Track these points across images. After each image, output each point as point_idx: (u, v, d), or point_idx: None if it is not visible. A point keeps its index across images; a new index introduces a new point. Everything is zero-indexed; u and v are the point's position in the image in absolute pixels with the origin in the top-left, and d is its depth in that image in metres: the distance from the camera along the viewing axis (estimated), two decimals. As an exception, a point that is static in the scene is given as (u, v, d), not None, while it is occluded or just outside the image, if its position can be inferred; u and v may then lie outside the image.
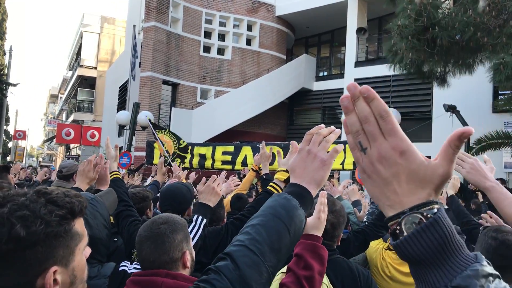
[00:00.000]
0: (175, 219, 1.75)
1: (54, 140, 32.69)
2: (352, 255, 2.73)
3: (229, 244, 1.03)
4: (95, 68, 33.64)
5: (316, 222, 1.66)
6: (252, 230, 1.02)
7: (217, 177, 2.56)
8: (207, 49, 19.48)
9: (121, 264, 2.08)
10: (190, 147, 10.77)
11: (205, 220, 2.28)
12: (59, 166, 4.13)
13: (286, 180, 2.40)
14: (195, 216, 2.31)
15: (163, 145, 10.26)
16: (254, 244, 0.98)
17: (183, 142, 10.64)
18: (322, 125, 1.18)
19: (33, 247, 0.85)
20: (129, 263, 2.12)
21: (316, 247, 1.56)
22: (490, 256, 1.66)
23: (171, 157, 10.11)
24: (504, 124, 12.32)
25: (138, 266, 2.07)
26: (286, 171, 2.42)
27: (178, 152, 10.39)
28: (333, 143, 1.16)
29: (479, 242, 1.75)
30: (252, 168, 4.45)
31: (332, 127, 1.18)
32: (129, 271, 2.05)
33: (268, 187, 2.40)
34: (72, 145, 34.17)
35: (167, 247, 1.63)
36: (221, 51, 19.78)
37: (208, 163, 10.63)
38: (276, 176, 2.41)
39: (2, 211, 0.84)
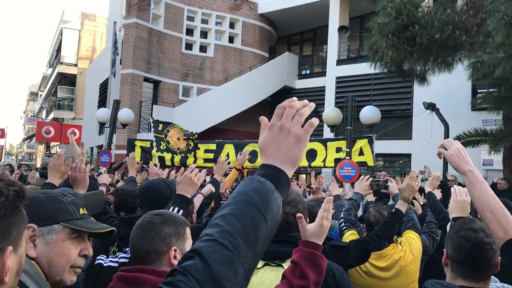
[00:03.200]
0: (173, 215, 1.72)
1: (34, 138, 32.15)
2: (352, 265, 2.66)
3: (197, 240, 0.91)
4: (76, 65, 33.13)
5: (318, 230, 1.59)
6: (222, 221, 0.86)
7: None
8: (189, 46, 19.37)
9: (97, 258, 2.08)
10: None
11: (181, 211, 2.26)
12: (43, 164, 4.15)
13: None
14: (172, 208, 2.29)
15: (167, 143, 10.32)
16: (225, 237, 0.83)
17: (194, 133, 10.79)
18: (294, 98, 1.03)
19: None
20: (105, 256, 2.11)
21: (314, 256, 1.49)
22: (462, 257, 1.63)
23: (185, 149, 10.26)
24: (483, 122, 12.53)
25: (115, 259, 2.08)
26: None
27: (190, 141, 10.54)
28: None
29: (450, 239, 1.69)
30: (235, 167, 4.44)
31: (306, 101, 1.03)
32: (105, 265, 2.04)
33: None
34: (52, 143, 33.63)
35: (152, 236, 1.60)
36: (203, 48, 19.69)
37: (190, 161, 10.58)
38: None
39: None
